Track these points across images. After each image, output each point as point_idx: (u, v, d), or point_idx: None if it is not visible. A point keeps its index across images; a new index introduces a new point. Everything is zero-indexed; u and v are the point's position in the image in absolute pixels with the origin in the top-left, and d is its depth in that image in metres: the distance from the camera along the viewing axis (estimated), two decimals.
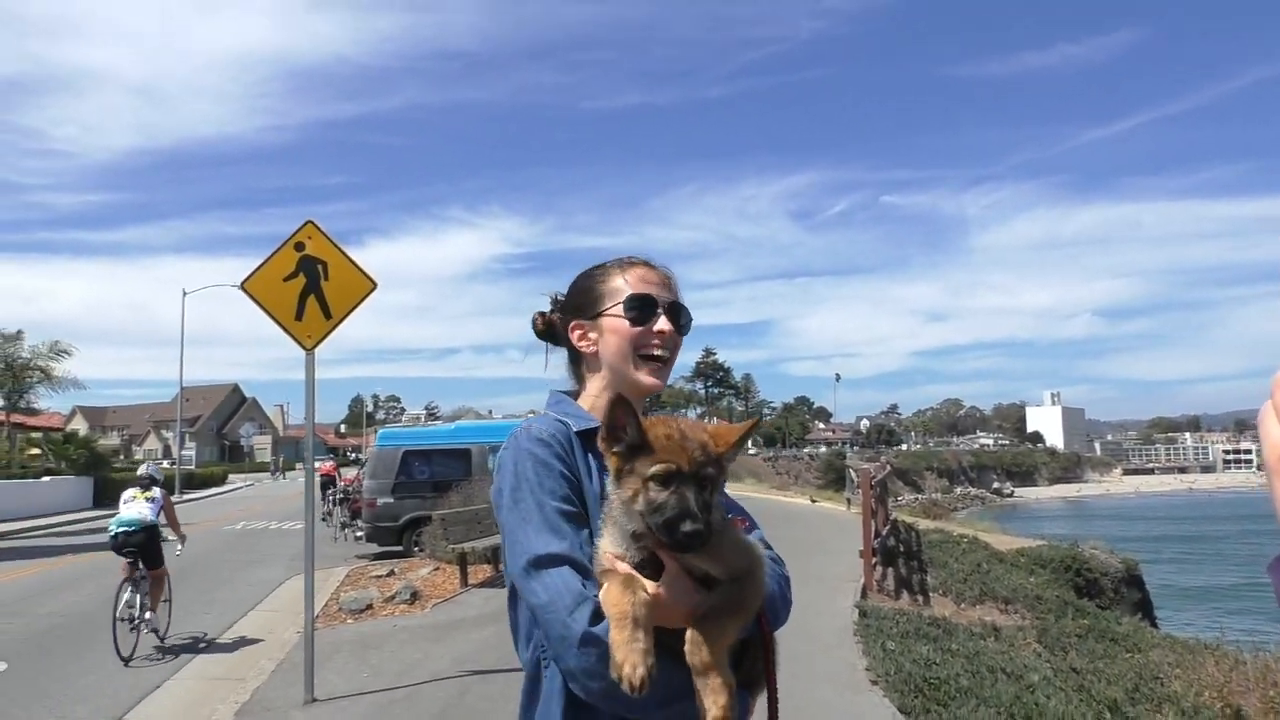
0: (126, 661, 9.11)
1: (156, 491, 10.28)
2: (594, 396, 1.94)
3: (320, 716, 7.07)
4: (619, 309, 1.91)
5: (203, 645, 10.18)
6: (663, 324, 1.92)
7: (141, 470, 10.83)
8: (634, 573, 1.55)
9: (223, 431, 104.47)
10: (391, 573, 14.35)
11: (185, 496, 43.38)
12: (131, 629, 9.43)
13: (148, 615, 9.69)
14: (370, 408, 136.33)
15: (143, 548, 9.80)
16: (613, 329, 1.92)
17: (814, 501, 33.60)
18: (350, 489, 22.22)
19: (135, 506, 10.04)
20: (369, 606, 11.67)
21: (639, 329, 1.91)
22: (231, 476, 65.15)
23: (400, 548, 17.94)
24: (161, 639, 9.94)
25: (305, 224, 7.84)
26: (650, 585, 1.54)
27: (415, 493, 18.29)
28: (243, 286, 7.65)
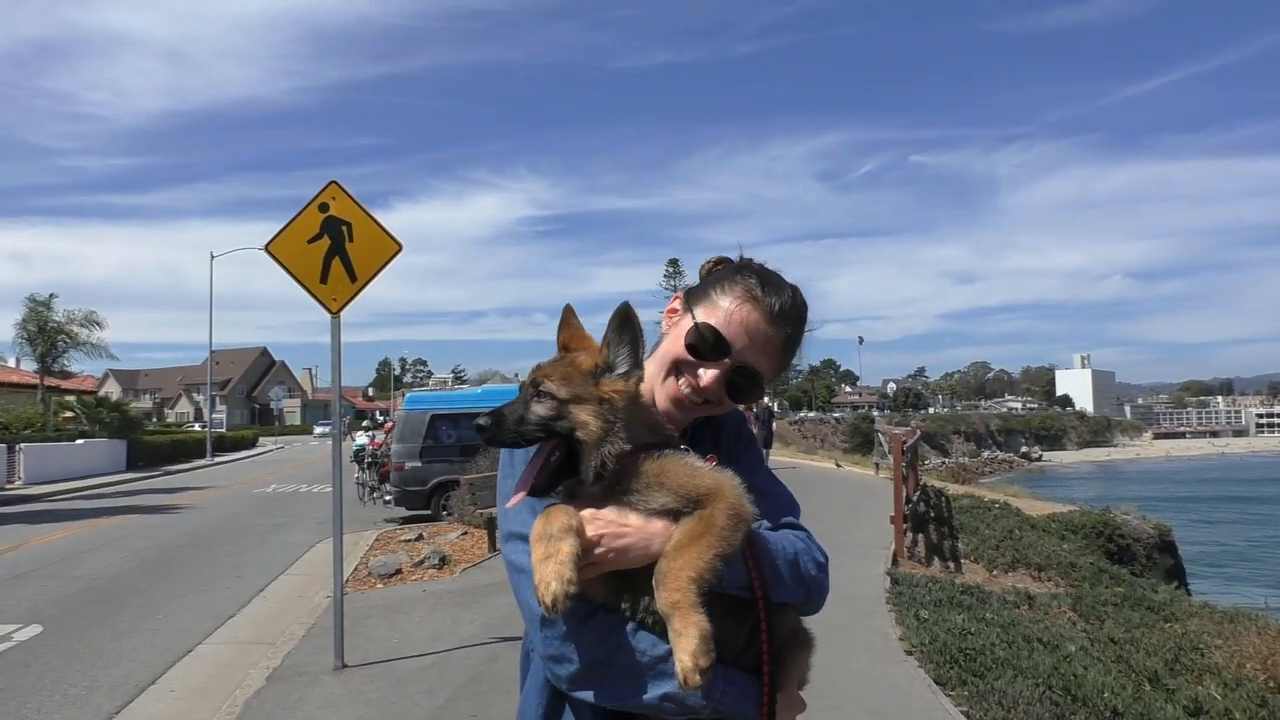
0: (363, 502, 21.03)
1: (372, 432, 23.36)
2: (649, 379, 1.73)
3: (352, 682, 7.04)
4: (691, 326, 1.72)
5: (386, 500, 19.69)
6: (706, 378, 1.70)
7: (366, 422, 30.81)
8: (563, 505, 1.50)
9: (252, 395, 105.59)
10: (420, 537, 14.38)
11: (215, 460, 43.69)
12: (363, 490, 21.86)
13: (385, 486, 20.17)
14: (397, 371, 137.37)
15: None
16: (679, 334, 1.74)
17: (839, 466, 33.41)
18: (378, 453, 22.33)
19: (362, 437, 22.90)
20: (398, 571, 11.67)
21: (689, 358, 1.71)
22: (261, 439, 65.87)
23: (428, 512, 18.05)
24: (374, 498, 21.12)
25: (329, 184, 7.68)
26: (586, 512, 1.48)
27: (443, 457, 18.36)
28: (267, 249, 7.51)
